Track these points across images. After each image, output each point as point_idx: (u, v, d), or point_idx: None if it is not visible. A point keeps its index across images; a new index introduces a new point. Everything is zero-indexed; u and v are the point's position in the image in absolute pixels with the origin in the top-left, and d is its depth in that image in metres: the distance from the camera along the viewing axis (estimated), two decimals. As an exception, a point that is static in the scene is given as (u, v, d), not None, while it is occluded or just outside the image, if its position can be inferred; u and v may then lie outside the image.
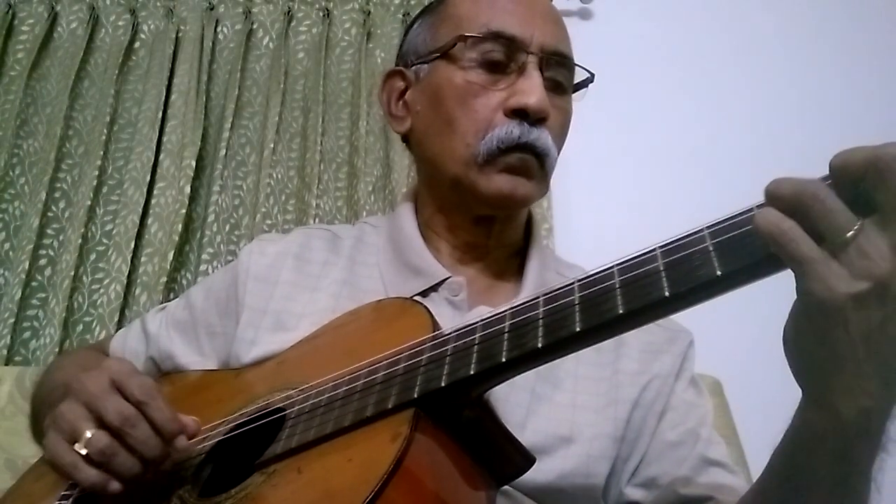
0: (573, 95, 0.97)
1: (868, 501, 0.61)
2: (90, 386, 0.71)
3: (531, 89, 0.88)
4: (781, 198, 0.51)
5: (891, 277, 0.48)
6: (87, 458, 0.69)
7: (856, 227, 0.49)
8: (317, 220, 1.66)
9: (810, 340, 0.54)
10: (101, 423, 0.70)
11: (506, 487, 0.74)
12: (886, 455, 0.58)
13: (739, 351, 1.50)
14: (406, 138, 1.02)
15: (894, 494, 0.64)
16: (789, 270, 0.51)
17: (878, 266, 0.48)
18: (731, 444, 1.17)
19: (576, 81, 0.97)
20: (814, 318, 0.52)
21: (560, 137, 0.94)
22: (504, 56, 0.90)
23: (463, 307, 0.89)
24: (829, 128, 1.78)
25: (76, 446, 0.69)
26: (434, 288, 0.91)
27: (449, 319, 0.83)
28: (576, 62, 0.96)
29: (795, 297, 0.53)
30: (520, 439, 0.67)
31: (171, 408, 0.72)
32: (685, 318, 0.95)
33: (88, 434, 0.69)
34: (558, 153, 0.94)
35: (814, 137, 1.77)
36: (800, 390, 0.59)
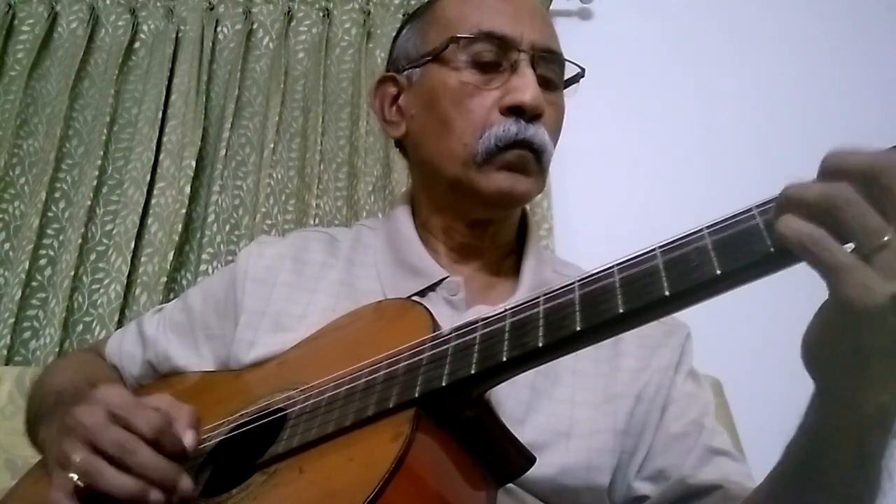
0: (565, 91, 0.98)
1: (881, 487, 0.62)
2: (86, 420, 0.69)
3: (525, 86, 0.88)
4: (808, 202, 0.50)
5: None
6: (78, 485, 0.66)
7: (892, 232, 0.48)
8: (317, 220, 1.66)
9: (841, 344, 0.54)
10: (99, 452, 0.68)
11: (509, 485, 0.74)
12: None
13: (739, 351, 1.50)
14: (400, 143, 1.02)
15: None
16: (786, 269, 0.51)
17: None
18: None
19: (566, 77, 0.98)
20: (850, 322, 0.52)
21: (555, 133, 0.95)
22: (496, 55, 0.90)
23: (461, 306, 0.90)
24: (828, 126, 1.78)
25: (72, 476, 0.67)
26: (432, 288, 0.91)
27: (447, 319, 0.83)
28: (566, 58, 0.96)
29: (826, 301, 0.53)
30: (519, 436, 0.67)
31: (179, 433, 0.69)
32: (685, 316, 0.95)
33: (77, 458, 0.67)
34: (554, 149, 0.94)
35: (813, 135, 1.77)
36: (797, 389, 0.59)
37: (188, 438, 0.70)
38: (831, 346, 0.55)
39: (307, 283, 0.95)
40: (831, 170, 0.50)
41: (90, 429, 0.69)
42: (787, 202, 0.51)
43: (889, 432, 0.57)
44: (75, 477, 0.66)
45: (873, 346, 0.51)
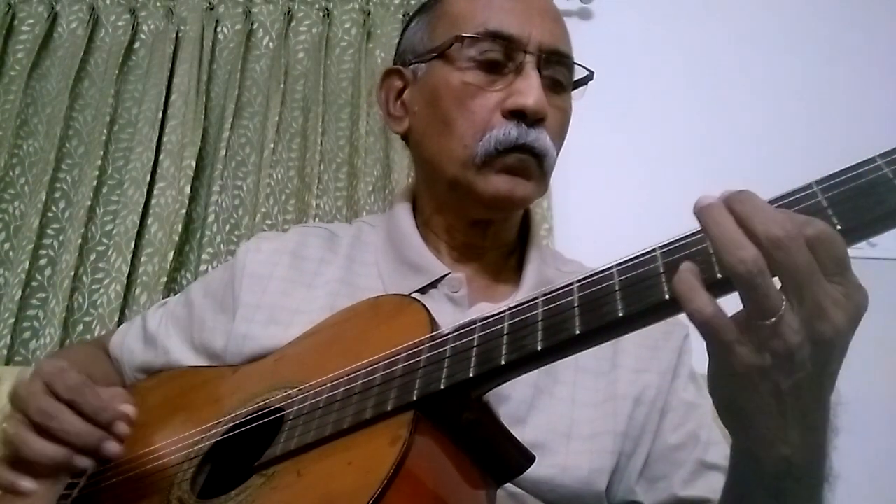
0: (572, 93, 0.97)
1: None
2: (22, 392, 0.73)
3: (528, 90, 0.87)
4: (725, 267, 0.51)
5: (797, 350, 0.50)
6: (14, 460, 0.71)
7: (781, 311, 0.49)
8: (317, 220, 1.65)
9: (726, 398, 0.56)
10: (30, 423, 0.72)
11: (508, 485, 0.74)
12: (829, 486, 0.60)
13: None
14: (405, 138, 1.01)
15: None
16: None
17: (785, 344, 0.49)
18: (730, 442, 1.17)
19: (575, 79, 0.97)
20: (726, 380, 0.54)
21: (559, 137, 0.94)
22: (502, 56, 0.89)
23: (463, 304, 0.89)
24: (829, 126, 1.78)
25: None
26: (434, 285, 0.91)
27: (449, 316, 0.83)
28: (575, 60, 0.95)
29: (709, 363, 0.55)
30: (520, 435, 0.67)
31: (102, 398, 0.73)
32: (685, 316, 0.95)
33: (11, 431, 0.71)
34: (558, 152, 0.93)
35: (814, 136, 1.77)
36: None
37: (128, 408, 0.74)
38: (720, 402, 0.57)
39: (304, 279, 0.95)
40: (746, 223, 0.50)
41: (24, 399, 0.73)
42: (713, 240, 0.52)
43: (808, 482, 0.58)
44: (7, 453, 0.71)
45: (756, 404, 0.53)
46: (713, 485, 0.84)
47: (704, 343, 0.53)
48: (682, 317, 0.94)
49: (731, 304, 0.52)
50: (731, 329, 0.51)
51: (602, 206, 1.75)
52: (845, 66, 1.90)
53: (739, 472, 0.62)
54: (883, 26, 1.94)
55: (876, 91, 1.86)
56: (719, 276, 0.51)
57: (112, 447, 0.72)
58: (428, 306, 0.75)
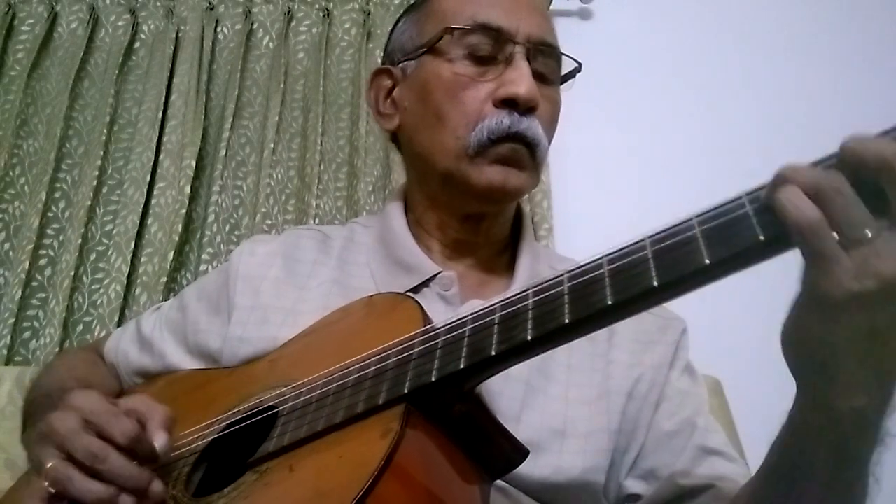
0: (561, 87, 0.97)
1: (866, 493, 0.61)
2: (59, 427, 0.70)
3: (520, 79, 0.88)
4: (799, 185, 0.49)
5: None
6: (50, 492, 0.68)
7: (877, 226, 0.47)
8: (317, 220, 1.66)
9: (812, 336, 0.53)
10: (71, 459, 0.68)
11: (503, 484, 0.74)
12: (884, 448, 0.58)
13: (739, 351, 1.49)
14: (395, 137, 1.02)
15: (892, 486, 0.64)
16: (777, 261, 0.51)
17: (890, 267, 0.47)
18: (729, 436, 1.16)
19: (563, 73, 0.97)
20: (817, 312, 0.51)
21: (550, 128, 0.94)
22: (491, 48, 0.90)
23: (455, 302, 0.89)
24: (827, 125, 1.77)
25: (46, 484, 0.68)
26: (425, 284, 0.91)
27: (441, 314, 0.83)
28: (562, 52, 0.96)
29: (797, 293, 0.52)
30: (514, 434, 0.67)
31: (150, 440, 0.70)
32: (685, 315, 0.95)
33: (49, 465, 0.68)
34: (549, 144, 0.93)
35: (812, 134, 1.76)
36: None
37: (159, 441, 0.70)
38: (803, 336, 0.54)
39: (298, 280, 0.95)
40: (848, 155, 0.49)
41: (63, 436, 0.69)
42: (782, 183, 0.50)
43: (872, 437, 0.57)
44: (47, 484, 0.67)
45: (844, 342, 0.51)
46: (716, 469, 0.83)
47: (801, 261, 0.50)
48: (682, 314, 0.93)
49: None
50: (832, 240, 0.48)
51: (602, 206, 1.75)
52: (845, 66, 1.89)
53: (800, 428, 0.59)
54: (883, 26, 1.94)
55: (876, 91, 1.86)
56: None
57: (158, 486, 0.69)
58: None
